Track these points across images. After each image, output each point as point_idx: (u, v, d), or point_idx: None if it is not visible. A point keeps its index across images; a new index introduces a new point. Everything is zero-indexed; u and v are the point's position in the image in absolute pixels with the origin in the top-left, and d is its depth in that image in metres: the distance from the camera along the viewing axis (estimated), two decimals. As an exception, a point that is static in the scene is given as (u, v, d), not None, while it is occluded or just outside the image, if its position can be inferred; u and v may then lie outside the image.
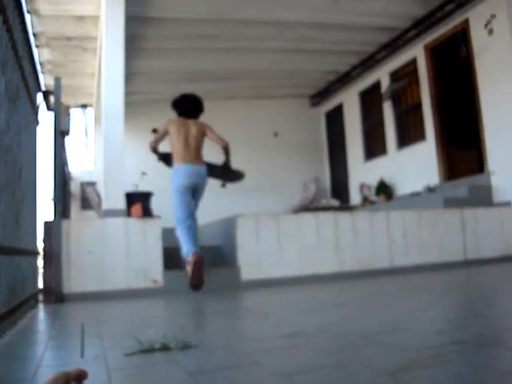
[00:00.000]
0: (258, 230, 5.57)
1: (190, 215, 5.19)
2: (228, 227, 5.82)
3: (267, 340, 2.27)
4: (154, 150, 5.47)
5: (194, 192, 5.27)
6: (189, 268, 4.90)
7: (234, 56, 9.19)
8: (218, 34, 8.18)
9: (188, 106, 5.66)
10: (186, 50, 8.69)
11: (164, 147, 5.47)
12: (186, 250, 5.01)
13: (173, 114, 5.69)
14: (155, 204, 5.77)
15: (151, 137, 5.54)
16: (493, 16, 7.42)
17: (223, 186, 5.87)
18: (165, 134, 5.37)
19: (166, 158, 5.50)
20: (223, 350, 2.10)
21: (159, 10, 7.23)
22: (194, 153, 5.28)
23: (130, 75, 9.00)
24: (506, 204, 7.04)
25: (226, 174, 5.70)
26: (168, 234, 6.00)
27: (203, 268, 4.93)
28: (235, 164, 6.27)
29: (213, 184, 10.05)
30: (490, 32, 7.48)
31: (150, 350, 2.04)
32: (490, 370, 1.54)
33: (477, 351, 1.77)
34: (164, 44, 8.34)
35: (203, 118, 5.74)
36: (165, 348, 2.07)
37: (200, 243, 5.27)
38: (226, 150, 5.54)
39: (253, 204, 10.11)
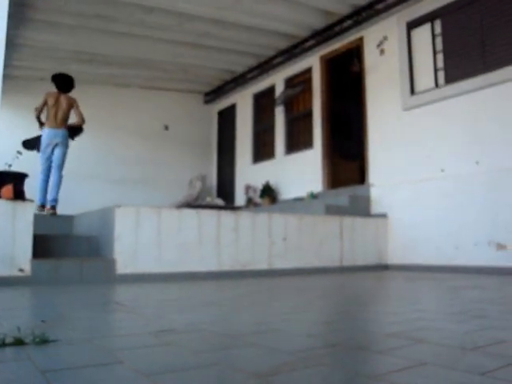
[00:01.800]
0: (138, 223, 5.36)
1: (47, 168, 6.92)
2: (106, 217, 5.55)
3: (134, 337, 2.13)
4: (38, 117, 7.00)
5: (55, 147, 6.92)
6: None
7: (130, 42, 8.86)
8: (116, 16, 7.84)
9: (62, 82, 7.21)
10: (79, 28, 8.22)
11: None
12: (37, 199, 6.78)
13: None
14: (29, 187, 5.36)
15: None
16: (385, 38, 7.81)
17: (72, 139, 7.35)
18: (44, 103, 6.97)
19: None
20: (85, 346, 1.94)
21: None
22: (60, 120, 6.99)
23: (13, 46, 8.39)
24: (382, 215, 7.41)
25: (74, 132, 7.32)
26: (41, 220, 5.62)
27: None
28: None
29: (94, 174, 9.67)
30: (382, 52, 7.86)
31: (0, 345, 1.83)
32: (359, 373, 1.54)
33: (347, 354, 1.77)
34: (56, 17, 7.81)
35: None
36: (18, 343, 1.87)
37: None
38: (81, 126, 7.25)
39: (137, 197, 9.82)
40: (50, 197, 6.89)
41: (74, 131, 7.28)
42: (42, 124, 6.98)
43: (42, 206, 6.86)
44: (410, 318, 2.59)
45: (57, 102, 6.98)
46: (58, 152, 6.90)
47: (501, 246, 5.91)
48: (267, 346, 1.89)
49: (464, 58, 6.63)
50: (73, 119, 7.17)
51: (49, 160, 6.90)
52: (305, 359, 1.65)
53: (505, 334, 2.17)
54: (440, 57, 6.99)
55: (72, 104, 7.07)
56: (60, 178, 6.92)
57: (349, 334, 2.18)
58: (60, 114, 6.96)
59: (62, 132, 6.94)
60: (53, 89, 7.14)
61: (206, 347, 1.91)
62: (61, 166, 6.93)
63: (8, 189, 4.84)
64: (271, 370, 1.52)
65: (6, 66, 5.38)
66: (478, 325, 2.37)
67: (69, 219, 7.36)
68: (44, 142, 6.89)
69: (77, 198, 8.71)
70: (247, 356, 1.75)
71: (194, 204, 10.54)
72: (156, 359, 1.69)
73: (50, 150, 6.89)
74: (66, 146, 6.99)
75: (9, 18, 5.28)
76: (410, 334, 2.10)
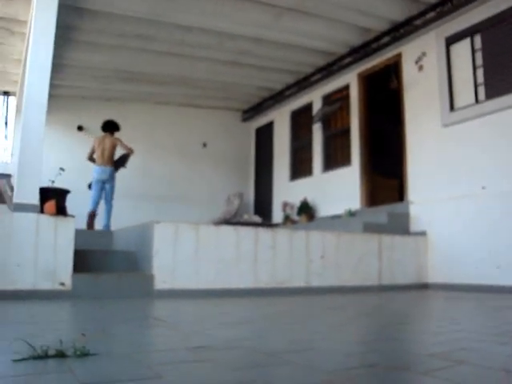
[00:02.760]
0: (176, 239, 5.42)
1: (98, 198, 8.09)
2: (145, 233, 5.62)
3: (173, 352, 2.15)
4: (90, 159, 8.25)
5: (105, 183, 8.09)
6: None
7: (169, 60, 9.03)
8: (156, 35, 7.99)
9: (106, 125, 8.44)
10: (120, 48, 8.43)
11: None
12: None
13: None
14: (71, 203, 5.49)
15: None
16: (424, 53, 7.74)
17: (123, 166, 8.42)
18: (93, 147, 8.22)
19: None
20: (124, 359, 1.96)
21: (97, 1, 6.94)
22: (106, 158, 8.09)
23: (58, 66, 8.64)
24: (421, 233, 7.29)
25: (121, 162, 8.33)
26: (81, 235, 5.74)
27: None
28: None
29: (133, 190, 9.83)
30: (420, 68, 7.79)
31: (43, 357, 1.87)
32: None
33: (386, 375, 1.74)
34: (98, 39, 8.03)
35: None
36: (60, 355, 1.90)
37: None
38: (130, 153, 8.24)
39: (175, 214, 9.89)
40: (103, 223, 8.05)
41: (123, 159, 8.29)
42: (94, 162, 8.17)
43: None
44: (452, 338, 2.53)
45: (102, 143, 8.13)
46: (107, 188, 8.08)
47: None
48: (304, 365, 1.88)
49: (505, 73, 6.50)
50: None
51: (99, 192, 8.07)
52: (343, 378, 1.63)
53: (551, 356, 2.09)
54: (480, 72, 6.88)
55: (115, 143, 8.16)
56: (111, 207, 8.12)
57: (388, 354, 2.14)
58: (106, 153, 8.07)
59: (108, 169, 8.08)
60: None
61: (243, 364, 1.91)
62: (110, 199, 8.13)
63: (51, 204, 4.97)
64: (309, 388, 1.50)
65: (50, 85, 5.57)
66: (523, 347, 2.30)
67: (108, 235, 7.50)
68: (94, 177, 8.08)
69: (116, 215, 8.85)
70: (284, 374, 1.74)
71: (231, 221, 10.59)
72: (194, 375, 1.70)
73: (100, 184, 8.07)
74: (113, 182, 8.16)
75: (54, 40, 5.47)
76: (451, 354, 2.05)
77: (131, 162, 8.57)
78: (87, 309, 4.15)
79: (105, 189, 8.11)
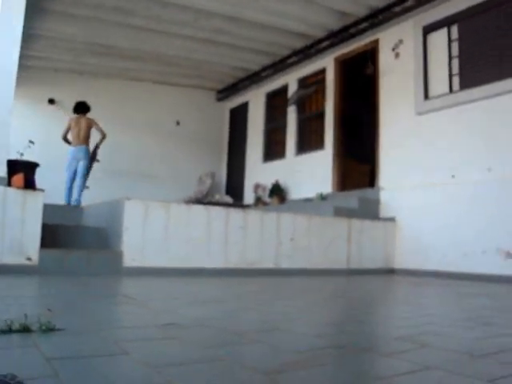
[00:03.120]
0: (147, 216, 5.37)
1: (72, 178, 8.18)
2: (115, 209, 5.56)
3: (141, 329, 2.14)
4: (64, 139, 8.37)
5: (79, 161, 8.19)
6: None
7: (145, 36, 8.87)
8: (133, 9, 7.83)
9: (78, 107, 8.47)
10: (95, 20, 8.22)
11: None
12: None
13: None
14: (40, 178, 5.37)
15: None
16: (401, 41, 7.78)
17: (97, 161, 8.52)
18: (68, 127, 8.35)
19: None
20: (91, 335, 1.94)
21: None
22: (81, 138, 8.24)
23: (30, 36, 8.42)
24: (390, 219, 7.38)
25: (94, 157, 8.51)
26: (50, 210, 5.64)
27: None
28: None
29: (103, 167, 9.71)
30: (397, 55, 7.83)
31: (6, 332, 1.83)
32: (364, 375, 1.53)
33: (353, 356, 1.76)
34: (73, 9, 7.81)
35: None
36: (25, 330, 1.87)
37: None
38: (103, 138, 8.37)
39: (146, 192, 9.79)
40: (74, 197, 8.12)
41: (94, 154, 8.49)
42: (68, 143, 8.34)
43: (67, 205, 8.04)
44: (418, 322, 2.58)
45: (78, 123, 8.30)
46: (81, 164, 8.21)
47: (509, 255, 5.87)
48: (274, 345, 1.89)
49: (480, 64, 6.58)
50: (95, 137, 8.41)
51: (74, 172, 8.22)
52: (310, 359, 1.64)
53: (513, 342, 2.15)
54: (455, 62, 6.95)
55: (91, 124, 8.33)
56: (83, 184, 8.22)
57: (356, 336, 2.17)
58: (81, 133, 8.25)
59: (84, 148, 8.25)
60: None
61: (212, 343, 1.91)
62: (84, 176, 8.26)
63: (19, 177, 4.86)
64: (277, 367, 1.51)
65: (20, 56, 5.39)
66: (487, 332, 2.35)
67: (78, 210, 7.40)
68: (69, 158, 8.24)
69: (86, 190, 8.76)
70: (253, 353, 1.75)
71: (203, 201, 10.55)
72: (162, 352, 1.69)
73: (75, 163, 8.20)
74: (87, 160, 8.28)
75: (26, 9, 5.29)
76: (417, 338, 2.08)
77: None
78: (54, 285, 4.09)
79: (78, 166, 8.23)
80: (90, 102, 8.56)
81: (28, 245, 4.77)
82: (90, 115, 8.46)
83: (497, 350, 1.90)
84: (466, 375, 1.49)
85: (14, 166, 5.02)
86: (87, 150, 8.30)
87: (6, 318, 1.96)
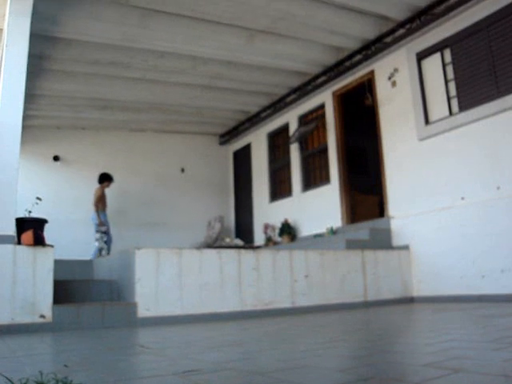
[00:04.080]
0: (158, 265, 5.32)
1: None
2: (126, 260, 5.52)
3: (160, 377, 2.07)
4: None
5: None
6: None
7: (144, 87, 9.01)
8: (130, 62, 7.98)
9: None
10: (94, 76, 8.38)
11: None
12: None
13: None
14: (49, 234, 5.37)
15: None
16: (396, 70, 7.86)
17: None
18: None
19: None
20: (110, 388, 1.88)
21: (69, 30, 6.88)
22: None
23: (31, 96, 8.57)
24: (404, 248, 7.29)
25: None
26: (61, 265, 5.61)
27: None
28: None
29: (113, 219, 9.71)
30: (393, 84, 7.89)
31: (22, 390, 1.78)
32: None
33: (383, 387, 1.69)
34: (71, 67, 7.97)
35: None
36: (41, 387, 1.81)
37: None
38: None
39: (156, 241, 9.80)
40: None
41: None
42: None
43: None
44: (444, 347, 2.49)
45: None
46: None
47: (530, 273, 5.75)
48: (298, 382, 1.82)
49: (476, 85, 6.61)
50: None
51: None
52: (339, 393, 1.58)
53: (547, 359, 2.06)
54: (452, 85, 6.98)
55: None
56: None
57: (382, 367, 2.09)
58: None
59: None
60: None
61: (235, 385, 1.84)
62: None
63: (28, 235, 4.85)
64: (305, 404, 1.45)
65: (23, 116, 5.47)
66: (517, 352, 2.27)
67: (89, 263, 7.37)
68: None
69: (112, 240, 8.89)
70: (278, 392, 1.68)
71: (213, 245, 10.50)
72: (183, 398, 1.63)
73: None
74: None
75: (26, 70, 5.41)
76: (446, 363, 2.01)
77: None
78: (69, 340, 4.02)
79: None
80: (94, 154, 8.75)
81: (40, 302, 4.72)
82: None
83: (531, 368, 1.82)
84: (503, 397, 1.42)
85: (22, 224, 5.02)
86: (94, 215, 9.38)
87: (20, 377, 1.90)
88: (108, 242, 9.23)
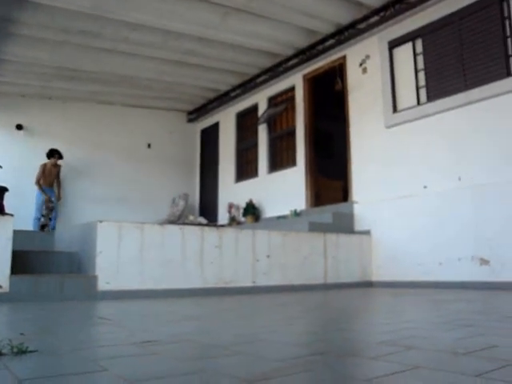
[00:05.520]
0: (120, 238, 5.27)
1: None
2: (88, 233, 5.45)
3: (118, 347, 2.07)
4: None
5: None
6: None
7: (113, 59, 8.81)
8: (100, 32, 7.77)
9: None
10: (63, 44, 8.13)
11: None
12: None
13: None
14: (10, 203, 5.25)
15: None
16: (367, 56, 7.90)
17: None
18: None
19: None
20: (67, 355, 1.87)
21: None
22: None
23: (-6, 61, 8.30)
24: (365, 232, 7.41)
25: None
26: (21, 236, 5.51)
27: None
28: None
29: (77, 192, 9.56)
30: (364, 71, 7.94)
31: (-25, 356, 1.76)
32: (351, 377, 1.50)
33: (338, 361, 1.73)
34: (40, 33, 7.69)
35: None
36: (-6, 353, 1.79)
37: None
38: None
39: (119, 215, 9.66)
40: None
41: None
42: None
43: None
44: (399, 328, 2.56)
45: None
46: None
47: (484, 261, 5.93)
48: (254, 355, 1.85)
49: (445, 76, 6.71)
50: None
51: None
52: (294, 366, 1.61)
53: (495, 339, 2.14)
54: (422, 75, 7.08)
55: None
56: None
57: (338, 343, 2.14)
58: None
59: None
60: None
61: (192, 356, 1.86)
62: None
63: (-13, 203, 4.74)
64: (260, 375, 1.47)
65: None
66: (468, 332, 2.35)
67: (50, 235, 7.25)
68: None
69: (58, 216, 8.65)
70: (234, 363, 1.70)
71: (177, 223, 10.45)
72: (141, 367, 1.64)
73: None
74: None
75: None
76: (400, 341, 2.07)
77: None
78: (26, 311, 3.96)
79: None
80: (59, 125, 8.59)
81: (-2, 272, 4.63)
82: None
83: (480, 347, 1.89)
84: (453, 372, 1.47)
85: (-19, 192, 4.90)
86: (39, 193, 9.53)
87: (-25, 341, 1.88)
88: (53, 219, 9.35)
